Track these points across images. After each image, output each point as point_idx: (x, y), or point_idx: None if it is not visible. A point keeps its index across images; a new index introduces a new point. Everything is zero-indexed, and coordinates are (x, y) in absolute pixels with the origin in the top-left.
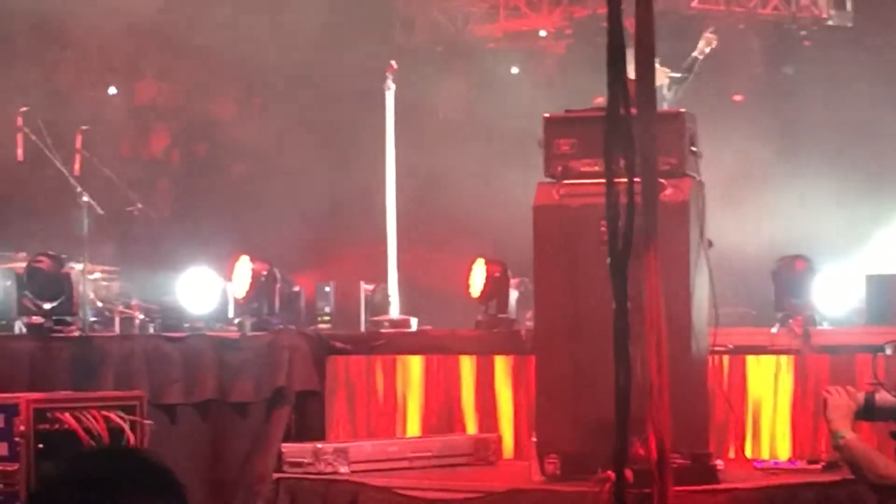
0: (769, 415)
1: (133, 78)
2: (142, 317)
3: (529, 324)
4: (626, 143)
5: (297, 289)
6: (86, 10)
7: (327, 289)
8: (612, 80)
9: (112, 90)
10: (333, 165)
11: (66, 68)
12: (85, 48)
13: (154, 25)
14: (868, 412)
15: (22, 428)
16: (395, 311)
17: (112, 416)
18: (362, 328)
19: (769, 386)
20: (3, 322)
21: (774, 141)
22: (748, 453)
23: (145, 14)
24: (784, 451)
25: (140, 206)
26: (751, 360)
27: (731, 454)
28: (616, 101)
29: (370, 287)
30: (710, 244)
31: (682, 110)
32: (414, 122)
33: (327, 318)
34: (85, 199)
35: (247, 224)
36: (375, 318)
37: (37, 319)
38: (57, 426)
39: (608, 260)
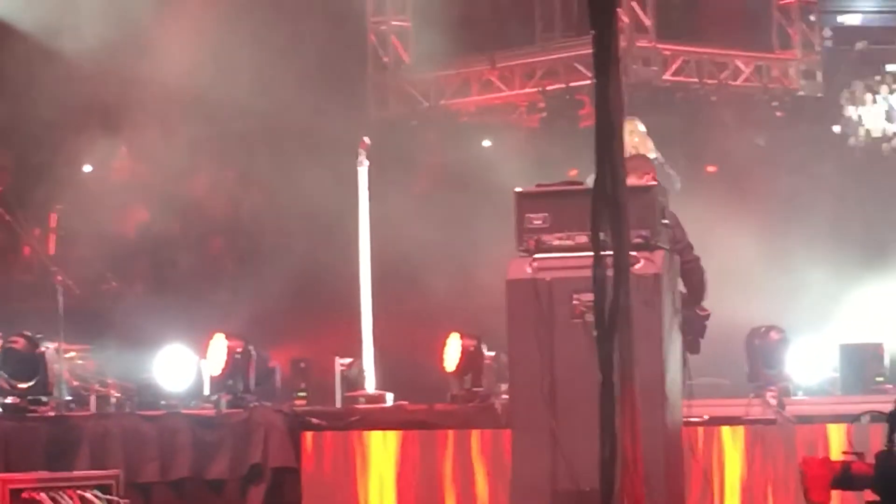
0: (747, 485)
1: (109, 155)
2: (118, 395)
3: (505, 397)
4: (615, 218)
5: (272, 365)
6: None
7: (302, 364)
8: (600, 153)
9: (87, 168)
10: (308, 240)
11: (39, 146)
12: (59, 126)
13: (125, 100)
14: (845, 481)
15: None
16: (370, 387)
17: (88, 495)
18: (338, 404)
19: (745, 456)
20: None
21: (747, 211)
22: None
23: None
24: None
25: (115, 283)
26: (726, 430)
27: None
28: (604, 175)
29: (345, 362)
30: (707, 314)
31: (653, 183)
32: (388, 196)
33: (303, 393)
34: (59, 278)
35: (221, 301)
36: (351, 394)
37: (12, 399)
38: None
39: (588, 332)
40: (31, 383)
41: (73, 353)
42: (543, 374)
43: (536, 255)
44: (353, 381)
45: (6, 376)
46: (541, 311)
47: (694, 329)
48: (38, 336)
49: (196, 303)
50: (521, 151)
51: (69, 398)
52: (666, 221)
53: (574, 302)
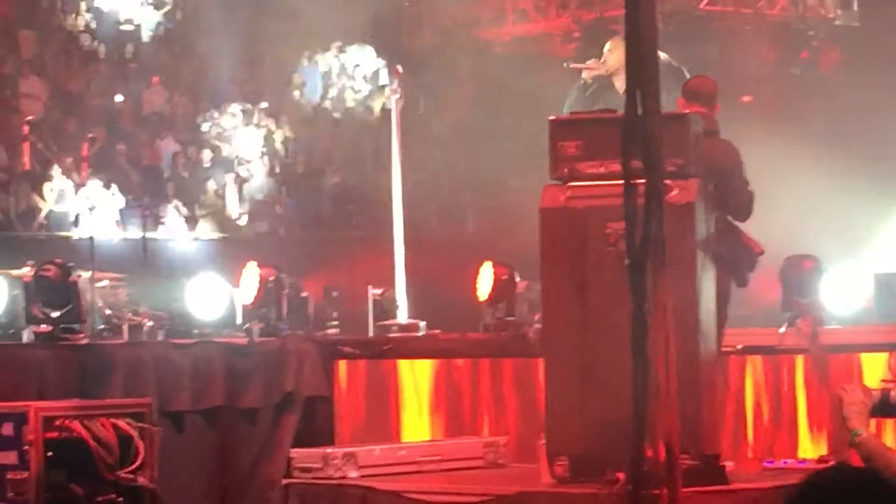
0: (778, 415)
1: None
2: (150, 324)
3: (537, 326)
4: (645, 145)
5: (304, 294)
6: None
7: (335, 294)
8: (631, 82)
9: (119, 98)
10: (340, 169)
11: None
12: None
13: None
14: (884, 409)
15: (31, 437)
16: (403, 315)
17: (121, 423)
18: (370, 333)
19: (778, 386)
20: (12, 331)
21: (781, 141)
22: (757, 453)
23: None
24: (793, 451)
25: (148, 213)
26: (759, 360)
27: (741, 454)
28: (634, 103)
29: (378, 292)
30: (761, 251)
31: (688, 111)
32: (421, 126)
33: (335, 322)
34: (93, 207)
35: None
36: (383, 323)
37: (45, 328)
38: (66, 434)
39: (622, 262)
40: (63, 312)
41: (105, 282)
42: (576, 304)
43: (570, 184)
44: (385, 310)
45: (39, 304)
46: (574, 240)
47: (745, 262)
48: (70, 265)
49: (228, 231)
50: (555, 81)
51: (102, 327)
52: (700, 149)
53: (607, 230)
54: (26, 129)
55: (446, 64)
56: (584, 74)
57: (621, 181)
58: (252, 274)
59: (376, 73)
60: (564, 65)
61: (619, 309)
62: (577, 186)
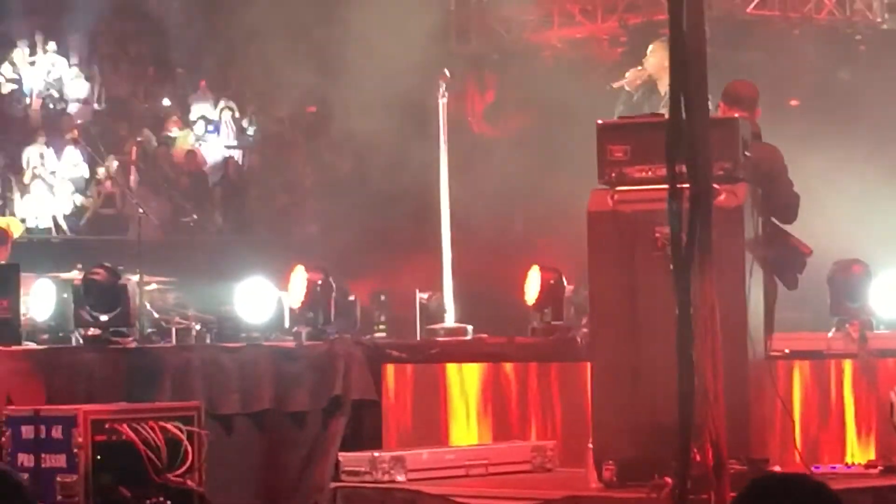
0: (826, 419)
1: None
2: (198, 327)
3: (585, 330)
4: (690, 150)
5: (352, 298)
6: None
7: (382, 297)
8: (675, 86)
9: (167, 101)
10: (388, 173)
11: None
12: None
13: (212, 37)
14: None
15: (80, 439)
16: (450, 319)
17: (169, 426)
18: (418, 337)
19: (826, 390)
20: (61, 334)
21: (830, 145)
22: (805, 458)
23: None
24: (841, 456)
25: (195, 217)
26: (807, 364)
27: (789, 459)
28: (678, 108)
29: (425, 295)
30: (809, 252)
31: (736, 115)
32: (468, 130)
33: (383, 326)
34: (140, 210)
35: (302, 233)
36: (431, 327)
37: (94, 331)
38: (115, 437)
39: (670, 266)
40: (112, 315)
41: (153, 286)
42: (624, 307)
43: (618, 188)
44: (432, 314)
45: (88, 308)
46: (622, 244)
47: (794, 264)
48: (120, 268)
49: (276, 235)
50: (602, 85)
51: (150, 330)
52: (748, 154)
53: (655, 234)
54: (76, 132)
55: (493, 68)
56: (626, 87)
57: (667, 185)
58: (300, 277)
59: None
60: (607, 87)
61: (667, 313)
62: (624, 190)
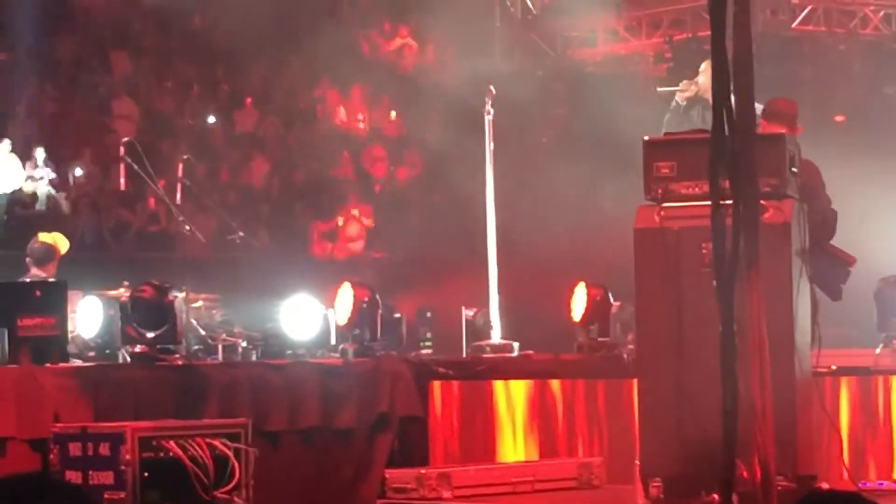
0: (874, 436)
1: (233, 106)
2: (244, 344)
3: (631, 347)
4: (731, 166)
5: (397, 315)
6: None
7: (428, 314)
8: (718, 102)
9: (211, 119)
10: (433, 189)
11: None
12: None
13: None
14: None
15: (128, 457)
16: (496, 336)
17: (217, 443)
18: (464, 353)
19: (873, 407)
20: (108, 351)
21: (876, 161)
22: (852, 475)
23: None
24: (889, 473)
25: (241, 234)
26: (854, 381)
27: (836, 476)
28: (721, 123)
29: (471, 312)
30: (853, 261)
31: (783, 132)
32: (514, 146)
33: (429, 343)
34: (187, 227)
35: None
36: (477, 343)
37: (141, 348)
38: (162, 454)
39: (713, 282)
40: (159, 332)
41: (199, 303)
42: (671, 324)
43: (664, 204)
44: (478, 331)
45: (135, 324)
46: (668, 260)
47: (837, 275)
48: (167, 285)
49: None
50: (647, 101)
51: (196, 347)
52: (795, 170)
53: (702, 251)
54: (122, 149)
55: (539, 84)
56: (678, 97)
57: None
58: (346, 294)
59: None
60: (658, 90)
61: (713, 329)
62: (671, 207)
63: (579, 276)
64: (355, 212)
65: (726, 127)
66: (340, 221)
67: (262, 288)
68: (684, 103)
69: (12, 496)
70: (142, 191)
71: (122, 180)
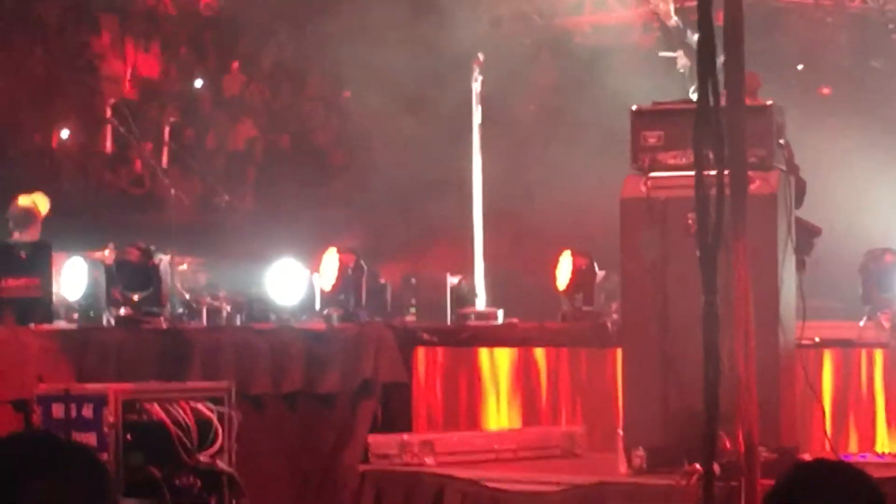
0: (856, 408)
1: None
2: (229, 308)
3: (615, 316)
4: (716, 136)
5: (382, 281)
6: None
7: (413, 281)
8: (703, 72)
9: (198, 83)
10: (418, 157)
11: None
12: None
13: (242, 18)
14: None
15: (111, 419)
16: (481, 304)
17: (200, 406)
18: (448, 321)
19: (855, 380)
20: (92, 313)
21: (862, 134)
22: (835, 447)
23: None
24: (871, 445)
25: (227, 197)
26: (838, 353)
27: (818, 448)
28: (706, 94)
29: (456, 279)
30: (819, 231)
31: (770, 102)
32: (501, 115)
33: (413, 310)
34: (172, 191)
35: (332, 216)
36: (462, 311)
37: (126, 311)
38: (145, 417)
39: (697, 252)
40: (144, 294)
41: (184, 266)
42: (656, 294)
43: (651, 174)
44: (463, 298)
45: (120, 287)
46: (654, 230)
47: (801, 246)
48: (152, 247)
49: (306, 217)
50: (634, 71)
51: (181, 311)
52: (782, 141)
53: (688, 221)
54: (108, 112)
55: (526, 52)
56: (679, 63)
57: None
58: (332, 260)
59: None
60: (659, 54)
61: (698, 300)
62: (658, 177)
63: (565, 245)
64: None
65: (711, 97)
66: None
67: (247, 252)
68: (683, 70)
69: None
70: (127, 153)
71: (108, 143)
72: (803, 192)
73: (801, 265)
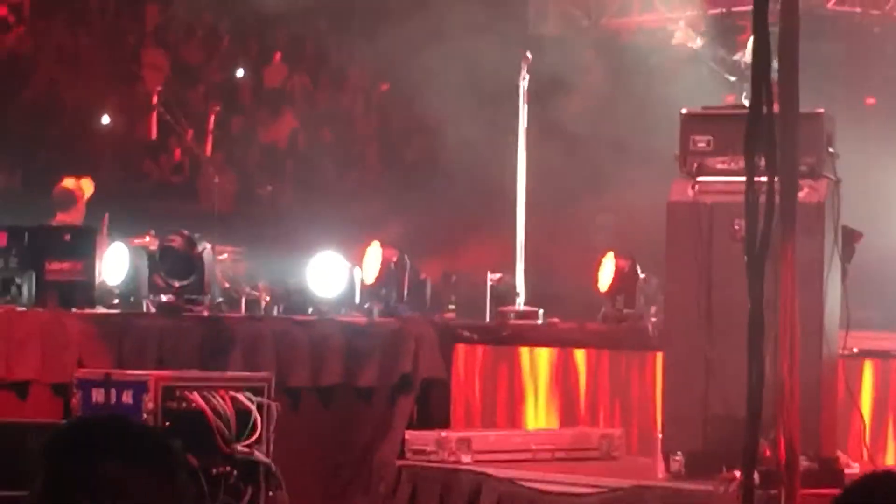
0: (894, 419)
1: (262, 61)
2: (268, 299)
3: (655, 320)
4: (768, 143)
5: (423, 277)
6: None
7: (453, 278)
8: (757, 78)
9: (240, 72)
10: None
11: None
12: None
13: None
14: None
15: (150, 405)
16: (522, 302)
17: (240, 396)
18: (487, 318)
19: (893, 390)
20: (132, 299)
21: None
22: (873, 458)
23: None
24: None
25: (270, 188)
26: (877, 364)
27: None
28: (759, 100)
29: (496, 277)
30: (860, 236)
31: (821, 110)
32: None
33: (453, 306)
34: (216, 179)
35: (373, 210)
36: (503, 309)
37: (167, 298)
38: (185, 405)
39: (744, 258)
40: (187, 282)
41: (224, 255)
42: (700, 298)
43: (699, 178)
44: (503, 296)
45: (162, 274)
46: (701, 235)
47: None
48: (196, 235)
49: (347, 211)
50: (681, 73)
51: (220, 300)
52: (832, 150)
53: (735, 227)
54: (154, 99)
55: (571, 53)
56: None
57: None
58: (375, 254)
59: None
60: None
61: (743, 306)
62: (705, 181)
63: (608, 247)
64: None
65: (765, 104)
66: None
67: (288, 243)
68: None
69: (92, 438)
70: (167, 141)
71: (153, 130)
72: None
73: (844, 273)
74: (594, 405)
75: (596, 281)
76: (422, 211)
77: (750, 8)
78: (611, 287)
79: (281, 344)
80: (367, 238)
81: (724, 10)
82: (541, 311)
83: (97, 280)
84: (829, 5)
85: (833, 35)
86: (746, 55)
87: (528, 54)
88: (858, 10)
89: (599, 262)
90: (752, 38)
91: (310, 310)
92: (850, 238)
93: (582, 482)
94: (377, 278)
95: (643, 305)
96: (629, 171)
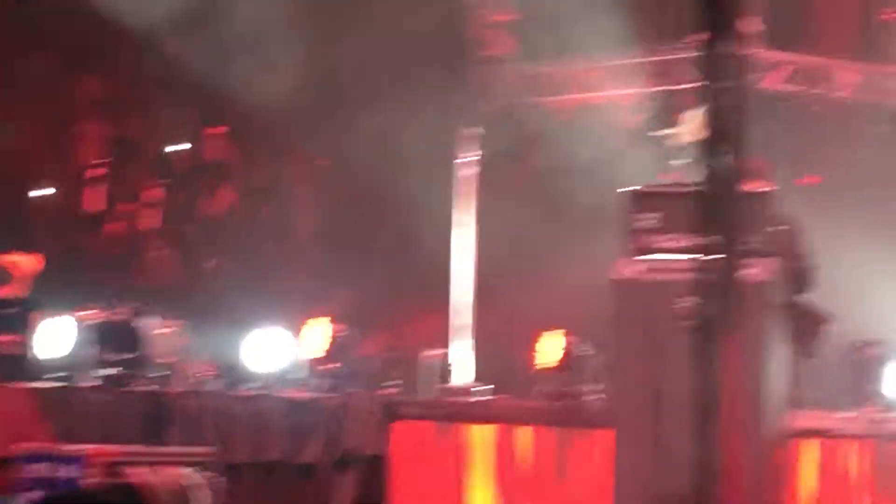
0: (843, 499)
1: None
2: (211, 374)
3: (599, 397)
4: (721, 223)
5: (366, 352)
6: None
7: (395, 353)
8: (705, 159)
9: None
10: (401, 230)
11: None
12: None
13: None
14: None
15: (89, 481)
16: (462, 379)
17: (181, 471)
18: (430, 395)
19: (844, 470)
20: (72, 373)
21: (849, 224)
22: None
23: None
24: None
25: (214, 261)
26: (823, 443)
27: None
28: (708, 180)
29: (437, 353)
30: (825, 319)
31: (768, 189)
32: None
33: (395, 382)
34: (154, 253)
35: (313, 286)
36: (446, 385)
37: (110, 372)
38: (126, 480)
39: (692, 336)
40: (130, 356)
41: (168, 329)
42: (648, 376)
43: (643, 256)
44: (444, 373)
45: (104, 348)
46: (646, 312)
47: (809, 332)
48: (139, 310)
49: (287, 286)
50: (622, 152)
51: (163, 374)
52: (784, 227)
53: (680, 305)
54: (93, 171)
55: (515, 128)
56: (667, 143)
57: (695, 255)
58: (322, 328)
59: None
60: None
61: (690, 383)
62: (650, 260)
63: (552, 324)
64: None
65: (712, 183)
66: None
67: (231, 317)
68: (672, 149)
69: None
70: (107, 214)
71: (90, 202)
72: (810, 279)
73: (809, 353)
74: (539, 482)
75: (540, 358)
76: (366, 287)
77: (691, 86)
78: (559, 364)
79: (222, 419)
80: (309, 312)
81: (668, 87)
82: (486, 388)
83: (40, 354)
84: (766, 84)
85: (772, 113)
86: (679, 131)
87: (481, 129)
88: (803, 87)
89: (542, 339)
90: (684, 115)
91: (253, 385)
92: (813, 320)
93: None
94: (325, 354)
95: (589, 382)
96: (572, 247)
